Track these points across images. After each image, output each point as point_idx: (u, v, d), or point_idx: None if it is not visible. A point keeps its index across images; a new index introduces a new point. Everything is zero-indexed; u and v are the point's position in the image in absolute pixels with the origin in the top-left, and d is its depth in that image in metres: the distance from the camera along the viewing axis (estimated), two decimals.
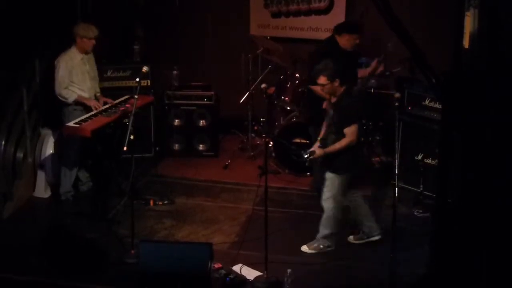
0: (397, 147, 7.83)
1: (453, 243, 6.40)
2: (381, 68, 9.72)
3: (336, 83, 7.74)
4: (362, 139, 8.22)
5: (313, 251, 8.02)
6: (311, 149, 7.90)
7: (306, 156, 7.84)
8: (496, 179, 6.05)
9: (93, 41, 8.94)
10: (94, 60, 9.26)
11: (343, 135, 7.74)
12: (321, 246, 8.02)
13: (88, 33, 8.87)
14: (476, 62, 6.14)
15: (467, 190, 6.30)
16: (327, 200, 7.91)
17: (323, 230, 8.00)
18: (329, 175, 7.88)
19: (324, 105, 8.08)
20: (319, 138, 8.08)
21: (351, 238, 8.25)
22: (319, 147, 7.92)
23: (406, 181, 9.11)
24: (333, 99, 7.86)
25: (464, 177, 6.33)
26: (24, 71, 9.23)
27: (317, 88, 8.09)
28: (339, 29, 9.08)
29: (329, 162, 7.87)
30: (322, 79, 7.76)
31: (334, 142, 7.80)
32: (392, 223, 7.17)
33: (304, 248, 8.04)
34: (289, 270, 7.27)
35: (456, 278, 6.38)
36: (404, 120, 9.16)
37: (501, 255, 6.08)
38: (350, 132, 7.73)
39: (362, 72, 9.59)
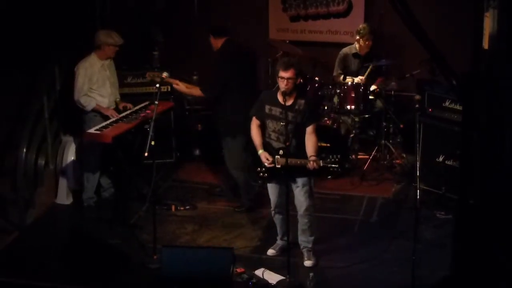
0: (418, 149, 7.80)
1: (475, 244, 6.38)
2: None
3: (298, 81, 7.43)
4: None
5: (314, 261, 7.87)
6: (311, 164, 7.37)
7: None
8: None
9: (117, 48, 9.00)
10: (114, 66, 9.28)
11: (303, 137, 7.46)
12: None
13: (115, 40, 8.90)
14: (495, 63, 6.12)
15: (489, 191, 6.28)
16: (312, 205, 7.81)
17: (311, 236, 7.87)
18: (304, 181, 7.63)
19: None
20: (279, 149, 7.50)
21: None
22: (281, 156, 7.41)
23: (427, 183, 9.07)
24: (290, 101, 7.43)
25: (486, 178, 6.31)
26: (44, 78, 9.27)
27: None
28: None
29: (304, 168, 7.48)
30: (290, 72, 7.33)
31: (297, 146, 7.45)
32: (414, 225, 7.14)
33: (308, 263, 7.83)
34: (311, 274, 7.28)
35: (478, 280, 6.36)
36: (424, 122, 9.12)
37: None
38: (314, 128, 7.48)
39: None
